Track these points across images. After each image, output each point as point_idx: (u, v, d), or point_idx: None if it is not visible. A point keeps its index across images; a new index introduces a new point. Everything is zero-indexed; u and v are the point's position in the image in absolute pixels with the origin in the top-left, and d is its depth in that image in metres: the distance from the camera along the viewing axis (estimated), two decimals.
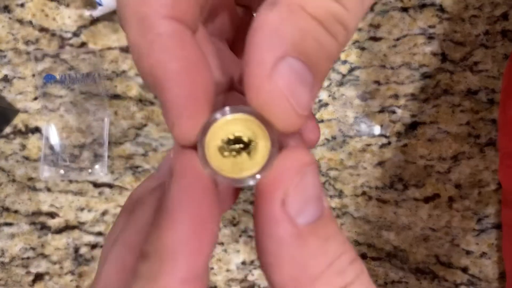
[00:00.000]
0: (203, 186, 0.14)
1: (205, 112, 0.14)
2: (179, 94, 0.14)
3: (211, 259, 0.45)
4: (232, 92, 0.19)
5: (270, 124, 0.14)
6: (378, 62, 0.44)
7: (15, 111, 0.44)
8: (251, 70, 0.13)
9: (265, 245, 0.13)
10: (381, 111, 0.44)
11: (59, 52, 0.44)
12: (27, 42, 0.45)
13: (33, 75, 0.44)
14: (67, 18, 0.45)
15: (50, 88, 0.44)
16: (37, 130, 0.45)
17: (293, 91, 0.13)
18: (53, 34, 0.45)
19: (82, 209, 0.45)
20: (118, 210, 0.45)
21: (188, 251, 0.13)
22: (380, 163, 0.44)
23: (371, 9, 0.44)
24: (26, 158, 0.45)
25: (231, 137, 0.14)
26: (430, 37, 0.44)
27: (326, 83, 0.44)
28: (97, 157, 0.45)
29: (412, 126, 0.44)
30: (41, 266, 0.45)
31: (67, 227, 0.45)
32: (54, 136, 0.44)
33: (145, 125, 0.45)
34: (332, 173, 0.45)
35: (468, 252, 0.44)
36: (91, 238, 0.45)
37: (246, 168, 0.14)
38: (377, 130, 0.44)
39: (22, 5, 0.44)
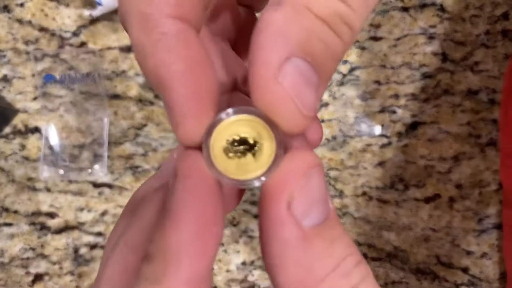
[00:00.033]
0: (208, 187, 0.14)
1: (210, 112, 0.14)
2: (184, 94, 0.14)
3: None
4: (235, 92, 0.18)
5: (275, 125, 0.14)
6: (378, 62, 0.44)
7: (14, 111, 0.44)
8: (256, 70, 0.13)
9: (270, 247, 0.13)
10: (382, 111, 0.44)
11: (59, 52, 0.44)
12: (26, 42, 0.44)
13: (33, 75, 0.44)
14: (66, 18, 0.45)
15: (50, 88, 0.44)
16: (36, 130, 0.45)
17: (298, 92, 0.13)
18: (53, 34, 0.45)
19: (81, 209, 0.45)
20: (118, 210, 0.45)
21: (193, 253, 0.13)
22: (381, 163, 0.44)
23: None
24: (26, 158, 0.45)
25: (236, 138, 0.14)
26: (431, 37, 0.43)
27: None
28: (96, 157, 0.44)
29: (413, 126, 0.44)
30: (41, 266, 0.45)
31: (66, 228, 0.45)
32: (53, 136, 0.44)
33: (145, 125, 0.45)
34: (333, 173, 0.44)
35: (468, 253, 0.43)
36: (90, 239, 0.45)
37: (251, 169, 0.14)
38: (377, 130, 0.44)
39: (21, 4, 0.44)
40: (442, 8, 0.43)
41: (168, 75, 0.13)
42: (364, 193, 0.44)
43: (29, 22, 0.44)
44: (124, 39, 0.45)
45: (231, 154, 0.14)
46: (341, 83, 0.44)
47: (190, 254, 0.13)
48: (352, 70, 0.44)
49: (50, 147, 0.44)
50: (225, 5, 0.19)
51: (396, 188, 0.44)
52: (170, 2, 0.14)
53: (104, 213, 0.45)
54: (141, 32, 0.14)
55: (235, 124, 0.14)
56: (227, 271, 0.45)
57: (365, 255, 0.44)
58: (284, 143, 0.14)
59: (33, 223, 0.45)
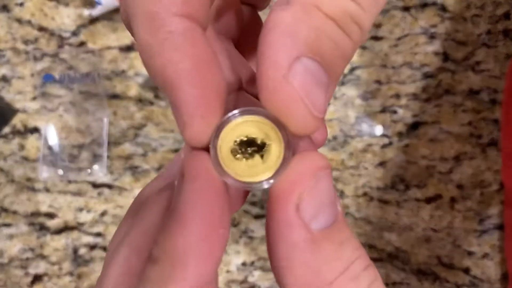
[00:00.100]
0: (215, 189, 0.13)
1: (218, 113, 0.14)
2: (191, 93, 0.13)
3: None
4: (241, 92, 0.18)
5: (284, 126, 0.14)
6: (379, 62, 0.44)
7: (13, 111, 0.44)
8: (265, 71, 0.13)
9: (277, 249, 0.13)
10: (383, 111, 0.44)
11: (58, 51, 0.44)
12: (26, 42, 0.44)
13: (32, 75, 0.44)
14: (66, 18, 0.44)
15: (49, 88, 0.44)
16: (36, 130, 0.45)
17: (308, 92, 0.13)
18: (52, 34, 0.44)
19: (81, 210, 0.45)
20: (118, 210, 0.45)
21: (199, 255, 0.12)
22: (382, 164, 0.44)
23: None
24: (25, 158, 0.44)
25: (244, 139, 0.14)
26: (432, 37, 0.43)
27: None
28: (96, 157, 0.44)
29: (414, 126, 0.44)
30: (40, 267, 0.45)
31: (66, 228, 0.45)
32: (53, 136, 0.44)
33: (144, 125, 0.45)
34: (333, 174, 0.44)
35: (470, 253, 0.43)
36: (90, 239, 0.45)
37: (259, 171, 0.14)
38: (378, 130, 0.44)
39: (21, 4, 0.44)
40: (443, 8, 0.43)
41: (175, 74, 0.13)
42: (365, 194, 0.44)
43: (29, 22, 0.44)
44: (123, 39, 0.44)
45: (238, 156, 0.14)
46: (342, 83, 0.44)
47: (196, 257, 0.12)
48: (353, 69, 0.44)
49: (50, 147, 0.44)
50: (228, 4, 0.19)
51: (397, 189, 0.44)
52: (176, 0, 0.13)
53: (103, 214, 0.45)
54: (147, 31, 0.13)
55: (243, 125, 0.14)
56: (227, 271, 0.45)
57: None
58: (292, 144, 0.14)
59: (32, 224, 0.45)
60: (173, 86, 0.13)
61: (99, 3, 0.42)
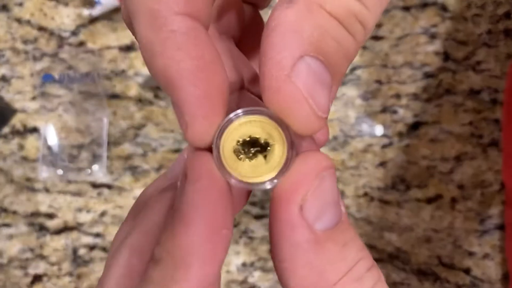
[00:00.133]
0: (218, 189, 0.13)
1: (221, 112, 0.14)
2: (194, 93, 0.13)
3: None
4: (243, 92, 0.18)
5: (287, 126, 0.13)
6: (379, 62, 0.44)
7: (13, 111, 0.44)
8: (268, 70, 0.13)
9: (281, 249, 0.13)
10: (383, 111, 0.44)
11: (58, 51, 0.44)
12: (25, 41, 0.44)
13: (32, 75, 0.44)
14: (65, 17, 0.44)
15: (49, 88, 0.44)
16: (35, 130, 0.44)
17: (312, 92, 0.13)
18: (52, 33, 0.44)
19: (80, 210, 0.45)
20: (117, 211, 0.45)
21: (203, 256, 0.12)
22: (382, 164, 0.44)
23: None
24: (24, 158, 0.44)
25: (247, 139, 0.14)
26: (432, 36, 0.43)
27: None
28: (96, 158, 0.44)
29: (414, 126, 0.44)
30: (40, 267, 0.45)
31: (65, 228, 0.45)
32: (52, 136, 0.44)
33: (144, 125, 0.44)
34: None
35: (470, 253, 0.43)
36: (90, 239, 0.45)
37: (262, 171, 0.14)
38: (378, 130, 0.44)
39: (20, 4, 0.44)
40: (443, 7, 0.43)
41: (178, 74, 0.13)
42: (365, 194, 0.44)
43: (28, 22, 0.44)
44: (123, 39, 0.44)
45: (241, 156, 0.14)
46: (342, 83, 0.44)
47: (200, 258, 0.12)
48: (353, 69, 0.44)
49: (49, 147, 0.44)
50: (230, 2, 0.19)
51: (398, 189, 0.44)
52: None
53: (103, 214, 0.45)
54: (150, 30, 0.13)
55: (246, 125, 0.14)
56: (227, 272, 0.45)
57: None
58: (295, 144, 0.14)
59: (31, 224, 0.45)
60: (175, 86, 0.13)
61: (98, 3, 0.42)
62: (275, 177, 0.14)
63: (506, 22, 0.43)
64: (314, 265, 0.13)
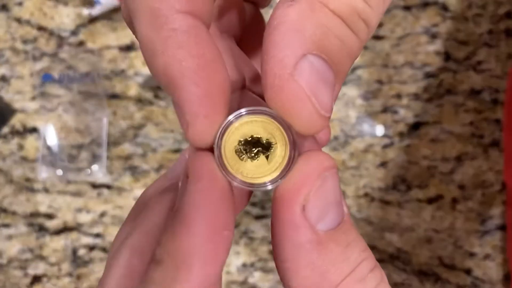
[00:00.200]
0: (220, 190, 0.13)
1: (222, 112, 0.14)
2: (195, 92, 0.13)
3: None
4: (244, 91, 0.18)
5: (289, 126, 0.13)
6: (380, 61, 0.44)
7: (12, 111, 0.44)
8: (270, 69, 0.12)
9: (283, 250, 0.13)
10: (384, 111, 0.44)
11: (58, 51, 0.44)
12: (25, 41, 0.44)
13: (31, 75, 0.44)
14: (65, 17, 0.44)
15: (48, 88, 0.44)
16: (35, 130, 0.44)
17: (315, 91, 0.12)
18: (51, 33, 0.44)
19: (80, 210, 0.44)
20: (117, 211, 0.45)
21: (204, 257, 0.12)
22: (383, 164, 0.44)
23: None
24: (24, 158, 0.44)
25: (249, 139, 0.14)
26: (433, 36, 0.43)
27: None
28: (95, 158, 0.44)
29: (415, 126, 0.43)
30: (39, 268, 0.45)
31: (65, 229, 0.45)
32: (52, 136, 0.44)
33: (144, 125, 0.44)
34: None
35: (471, 254, 0.43)
36: (89, 240, 0.45)
37: (264, 171, 0.14)
38: (379, 130, 0.44)
39: (20, 3, 0.44)
40: (444, 7, 0.43)
41: (179, 73, 0.13)
42: (366, 194, 0.44)
43: (28, 21, 0.44)
44: (123, 38, 0.44)
45: (243, 156, 0.14)
46: (343, 83, 0.44)
47: (201, 259, 0.12)
48: (353, 69, 0.44)
49: (49, 148, 0.44)
50: (231, 1, 0.19)
51: (399, 189, 0.44)
52: None
53: (103, 214, 0.45)
54: (150, 29, 0.13)
55: (247, 125, 0.14)
56: (227, 272, 0.45)
57: None
58: (297, 144, 0.14)
59: (31, 224, 0.44)
60: (176, 85, 0.13)
61: (98, 3, 0.42)
62: (277, 178, 0.14)
63: (507, 22, 0.43)
64: (317, 265, 0.13)
